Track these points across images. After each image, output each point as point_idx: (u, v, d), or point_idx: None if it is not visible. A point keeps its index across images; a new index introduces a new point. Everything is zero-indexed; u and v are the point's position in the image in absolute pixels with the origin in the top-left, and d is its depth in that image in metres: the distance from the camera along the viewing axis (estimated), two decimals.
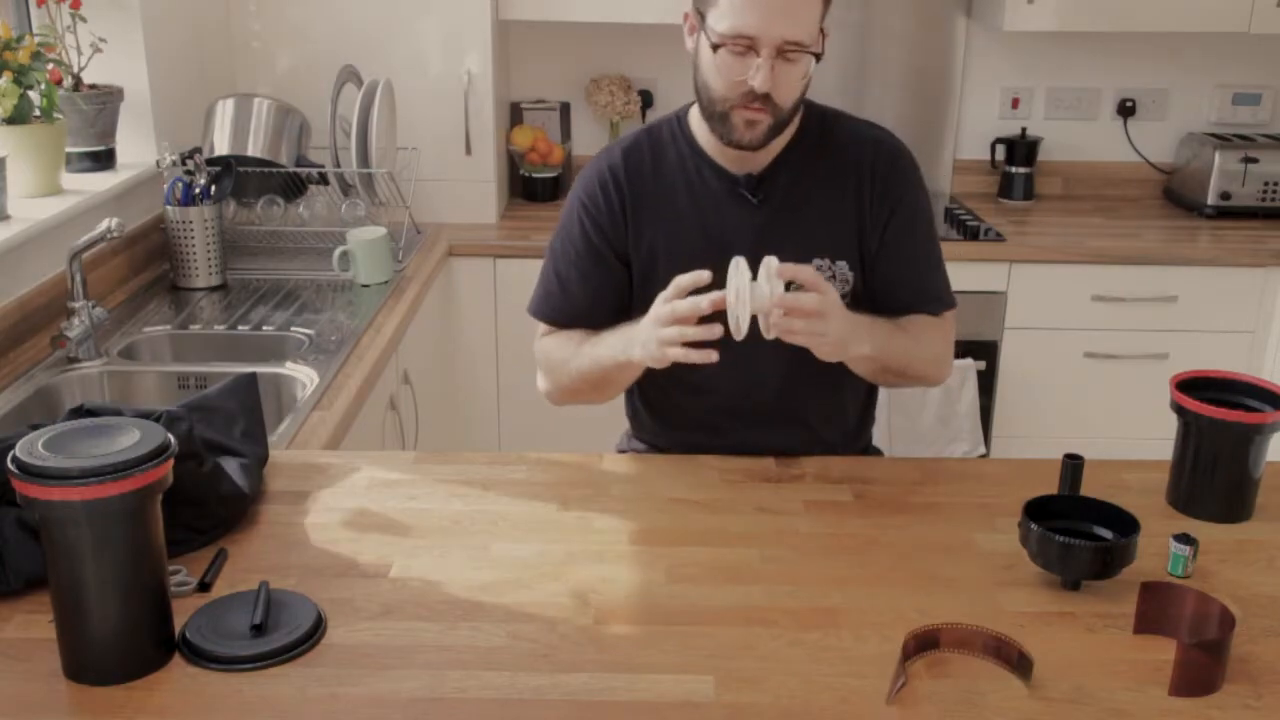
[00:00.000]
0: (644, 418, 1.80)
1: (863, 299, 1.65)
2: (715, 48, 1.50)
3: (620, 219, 1.65)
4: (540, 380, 1.73)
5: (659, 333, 1.46)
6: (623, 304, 1.68)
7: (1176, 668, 1.10)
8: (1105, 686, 1.12)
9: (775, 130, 1.56)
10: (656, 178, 1.66)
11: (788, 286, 1.42)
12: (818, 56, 1.51)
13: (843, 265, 1.64)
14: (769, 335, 1.43)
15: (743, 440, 1.65)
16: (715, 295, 1.41)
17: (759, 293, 1.41)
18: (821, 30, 1.53)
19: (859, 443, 1.82)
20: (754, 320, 1.42)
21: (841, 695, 1.10)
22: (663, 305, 1.46)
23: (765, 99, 1.51)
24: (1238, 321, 3.09)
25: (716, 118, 1.56)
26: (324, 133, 2.83)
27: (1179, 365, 2.57)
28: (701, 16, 1.53)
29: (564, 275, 1.69)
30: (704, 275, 1.43)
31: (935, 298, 1.69)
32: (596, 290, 1.67)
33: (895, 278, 1.66)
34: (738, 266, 1.41)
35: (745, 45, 1.48)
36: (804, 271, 1.43)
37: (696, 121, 1.65)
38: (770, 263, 1.43)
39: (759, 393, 1.68)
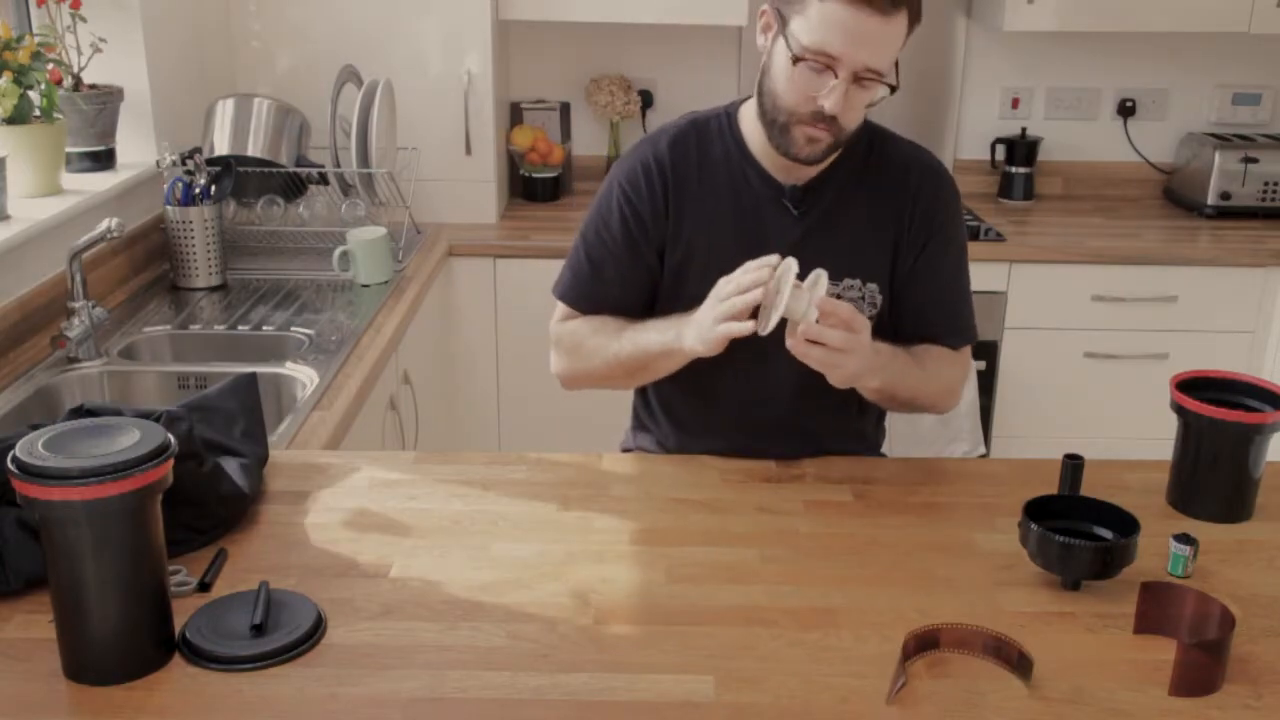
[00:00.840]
0: (657, 417, 1.79)
1: (887, 322, 1.65)
2: (796, 60, 1.46)
3: (662, 210, 1.63)
4: (555, 361, 1.71)
5: (717, 309, 1.44)
6: (653, 296, 1.66)
7: (1176, 668, 1.10)
8: (1105, 686, 1.12)
9: (833, 150, 1.55)
10: (701, 172, 1.63)
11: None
12: (893, 89, 1.49)
13: (873, 288, 1.63)
14: (789, 345, 1.42)
15: (752, 446, 1.63)
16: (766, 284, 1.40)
17: (798, 302, 1.39)
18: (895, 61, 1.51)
19: (873, 454, 1.81)
20: (782, 322, 1.40)
21: (841, 695, 1.10)
22: (726, 284, 1.44)
23: (831, 120, 1.49)
24: (1238, 321, 3.09)
25: (778, 128, 1.53)
26: (324, 133, 2.83)
27: (1179, 365, 2.57)
28: (784, 20, 1.48)
29: (597, 261, 1.66)
30: (789, 274, 1.40)
31: (959, 330, 1.68)
32: (629, 279, 1.65)
33: (923, 302, 1.65)
34: (788, 267, 1.39)
35: (825, 63, 1.45)
36: (842, 310, 1.41)
37: (748, 122, 1.63)
38: (821, 278, 1.41)
39: (771, 405, 1.66)
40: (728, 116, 1.66)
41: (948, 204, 1.65)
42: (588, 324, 1.67)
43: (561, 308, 1.71)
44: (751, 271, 1.42)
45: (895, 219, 1.62)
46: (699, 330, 1.48)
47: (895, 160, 1.65)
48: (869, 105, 1.51)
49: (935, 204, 1.63)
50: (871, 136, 1.65)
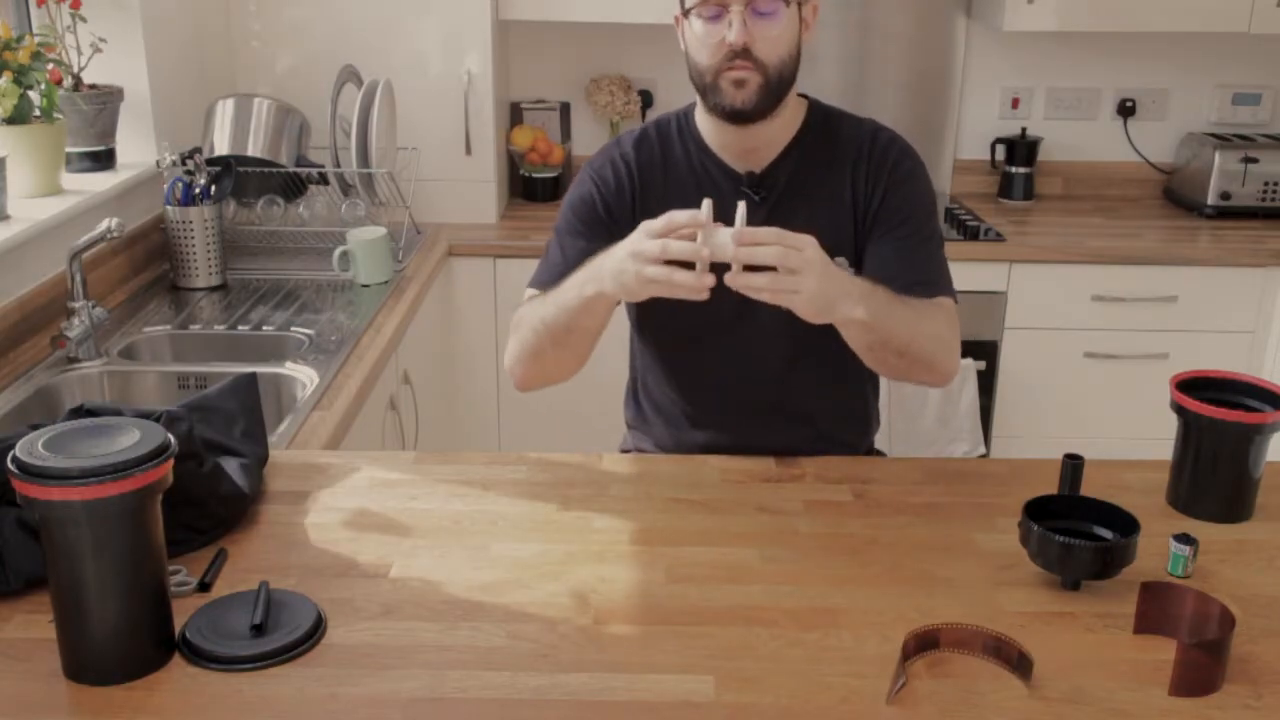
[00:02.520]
0: (649, 417, 1.80)
1: None
2: (686, 13, 1.56)
3: (629, 201, 1.66)
4: (506, 355, 1.67)
5: (645, 270, 1.36)
6: None
7: (1176, 668, 1.10)
8: (1105, 686, 1.12)
9: (768, 93, 1.56)
10: (665, 170, 1.68)
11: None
12: (787, 2, 1.54)
13: (842, 261, 1.64)
14: (728, 281, 1.36)
15: (747, 437, 1.65)
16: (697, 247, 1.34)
17: (719, 240, 1.34)
18: None
19: (865, 440, 1.81)
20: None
21: (841, 695, 1.10)
22: (649, 241, 1.37)
23: (747, 55, 1.53)
24: (1238, 321, 3.09)
25: (708, 90, 1.58)
26: (324, 133, 2.84)
27: (1179, 365, 2.57)
28: (682, 6, 1.59)
29: (566, 245, 1.67)
30: (705, 203, 1.37)
31: (925, 281, 1.62)
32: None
33: (883, 256, 1.63)
34: (707, 209, 1.36)
35: (715, 6, 1.53)
36: (763, 232, 1.36)
37: (702, 118, 1.67)
38: (739, 209, 1.38)
39: (761, 387, 1.68)
40: (685, 116, 1.71)
41: (898, 162, 1.66)
42: (528, 304, 1.64)
43: (526, 296, 1.68)
44: (681, 243, 1.36)
45: (851, 185, 1.65)
46: (619, 280, 1.42)
47: (847, 134, 1.67)
48: (785, 32, 1.54)
49: (885, 163, 1.65)
50: (826, 117, 1.69)
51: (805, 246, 1.37)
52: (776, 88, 1.57)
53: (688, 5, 1.56)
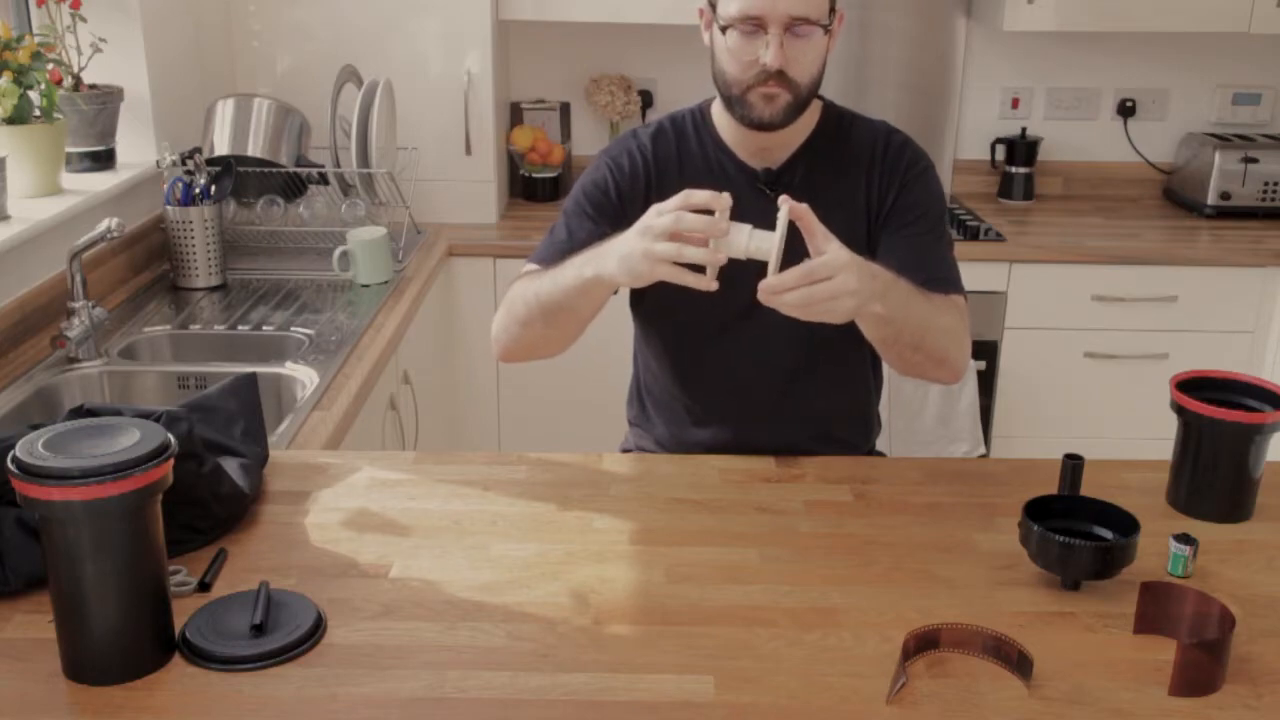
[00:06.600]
0: (651, 415, 1.80)
1: None
2: (724, 30, 1.54)
3: (643, 190, 1.65)
4: (494, 323, 1.66)
5: (654, 247, 1.34)
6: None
7: (1176, 668, 1.10)
8: (1105, 686, 1.12)
9: (795, 108, 1.57)
10: (681, 164, 1.68)
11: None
12: (825, 29, 1.54)
13: None
14: (769, 304, 1.34)
15: (750, 435, 1.65)
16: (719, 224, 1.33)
17: (731, 237, 1.33)
18: (834, 8, 1.56)
19: (867, 441, 1.82)
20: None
21: (841, 695, 1.10)
22: (662, 217, 1.35)
23: (780, 76, 1.53)
24: (1238, 321, 3.09)
25: (735, 102, 1.58)
26: (324, 133, 2.83)
27: (1179, 365, 2.58)
28: (713, 7, 1.58)
29: (572, 224, 1.66)
30: (724, 198, 1.35)
31: (939, 278, 1.61)
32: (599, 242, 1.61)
33: (896, 252, 1.62)
34: (726, 203, 1.35)
35: (753, 25, 1.52)
36: (789, 279, 1.32)
37: (718, 114, 1.67)
38: (781, 217, 1.36)
39: (767, 385, 1.68)
40: (700, 112, 1.71)
41: (910, 163, 1.66)
42: (526, 277, 1.62)
43: (523, 270, 1.66)
44: (696, 217, 1.34)
45: (865, 185, 1.65)
46: (626, 264, 1.39)
47: (861, 135, 1.68)
48: (816, 55, 1.55)
49: (898, 163, 1.66)
50: (839, 117, 1.70)
51: (835, 272, 1.32)
52: (805, 102, 1.59)
53: (723, 21, 1.54)
